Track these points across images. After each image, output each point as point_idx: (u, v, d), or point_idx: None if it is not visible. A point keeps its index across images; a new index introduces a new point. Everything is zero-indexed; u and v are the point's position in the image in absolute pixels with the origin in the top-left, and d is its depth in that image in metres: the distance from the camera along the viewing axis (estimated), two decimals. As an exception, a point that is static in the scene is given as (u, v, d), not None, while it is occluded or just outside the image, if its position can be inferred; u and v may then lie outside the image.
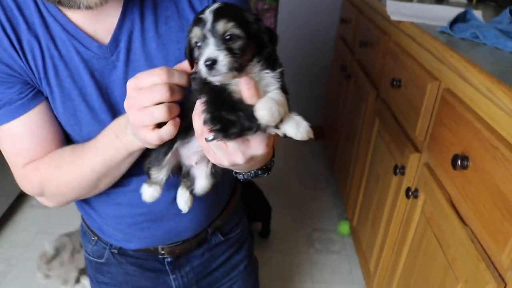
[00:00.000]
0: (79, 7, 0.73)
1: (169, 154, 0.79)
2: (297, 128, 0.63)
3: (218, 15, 0.63)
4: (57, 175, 0.88)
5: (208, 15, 0.64)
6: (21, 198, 2.48)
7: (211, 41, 0.63)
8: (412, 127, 1.36)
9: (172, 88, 0.67)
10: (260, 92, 0.63)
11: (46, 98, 0.86)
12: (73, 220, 2.34)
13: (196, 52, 0.67)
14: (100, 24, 0.82)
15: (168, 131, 0.70)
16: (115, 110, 0.86)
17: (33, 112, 0.84)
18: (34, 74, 0.82)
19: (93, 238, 1.11)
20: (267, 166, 0.80)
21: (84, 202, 1.02)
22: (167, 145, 0.78)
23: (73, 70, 0.83)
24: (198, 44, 0.65)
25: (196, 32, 0.65)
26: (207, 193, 0.86)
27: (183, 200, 0.86)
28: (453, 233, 1.05)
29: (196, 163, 0.81)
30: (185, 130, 0.75)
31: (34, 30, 0.80)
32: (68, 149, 0.88)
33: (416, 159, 1.34)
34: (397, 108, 1.54)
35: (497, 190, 0.87)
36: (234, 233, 1.19)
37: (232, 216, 1.18)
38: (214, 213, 1.10)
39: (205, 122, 0.65)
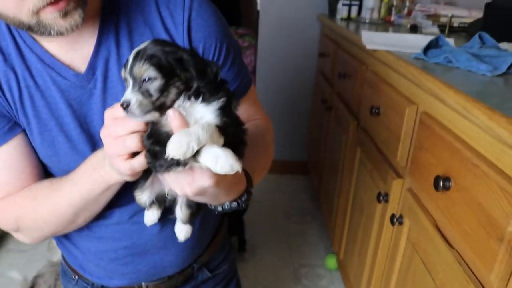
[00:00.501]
0: (50, 34, 0.72)
1: (150, 179, 0.78)
2: (215, 161, 0.61)
3: (137, 57, 0.64)
4: (33, 209, 0.85)
5: (130, 57, 0.65)
6: (-3, 243, 2.39)
7: (129, 83, 0.64)
8: (393, 153, 1.36)
9: None
10: (191, 125, 0.63)
11: (23, 130, 0.84)
12: (50, 264, 2.25)
13: None
14: (76, 53, 0.82)
15: (139, 161, 0.67)
16: (94, 140, 0.85)
17: (9, 145, 0.82)
18: (10, 106, 0.81)
19: (73, 277, 1.05)
20: (240, 198, 0.78)
21: (65, 238, 0.98)
22: (144, 176, 0.77)
23: (49, 100, 0.81)
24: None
25: (122, 72, 0.66)
26: (186, 223, 0.84)
27: (179, 228, 0.85)
28: (440, 257, 1.02)
29: (168, 190, 0.80)
30: None
31: (10, 62, 0.80)
32: (46, 182, 0.85)
33: (399, 185, 1.32)
34: (377, 135, 1.54)
35: (480, 208, 0.86)
36: (221, 269, 1.15)
37: (219, 252, 1.14)
38: (199, 247, 1.06)
39: (145, 155, 0.66)
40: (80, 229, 0.91)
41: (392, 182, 1.34)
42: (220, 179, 0.66)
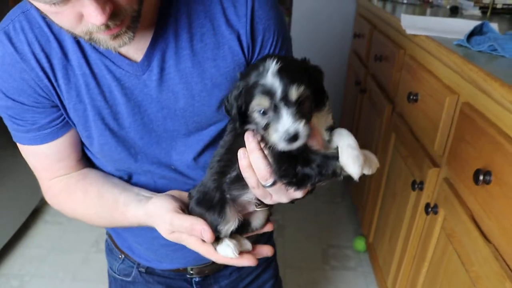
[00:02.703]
0: (99, 46, 0.72)
1: (227, 210, 0.77)
2: (369, 165, 0.64)
3: (286, 79, 0.59)
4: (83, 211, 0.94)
5: (273, 81, 0.60)
6: (35, 214, 2.49)
7: (285, 112, 0.60)
8: (430, 142, 1.34)
9: None
10: (320, 129, 0.65)
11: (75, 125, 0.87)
12: (87, 237, 2.35)
13: (259, 119, 0.64)
14: (132, 45, 0.79)
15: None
16: (147, 128, 0.86)
17: (61, 138, 0.87)
18: (59, 95, 0.82)
19: (120, 256, 1.09)
20: None
21: None
22: (218, 210, 0.77)
23: (104, 89, 0.82)
24: (263, 112, 0.63)
25: (263, 102, 0.61)
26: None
27: (230, 249, 0.81)
28: (476, 250, 1.02)
29: (256, 206, 0.81)
30: (237, 181, 0.75)
31: (65, 48, 0.79)
32: (109, 195, 0.91)
33: (435, 174, 1.31)
34: (414, 122, 1.52)
35: (522, 206, 0.85)
36: None
37: (261, 235, 1.16)
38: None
39: (281, 177, 0.66)
40: None
41: (428, 170, 1.33)
42: None
